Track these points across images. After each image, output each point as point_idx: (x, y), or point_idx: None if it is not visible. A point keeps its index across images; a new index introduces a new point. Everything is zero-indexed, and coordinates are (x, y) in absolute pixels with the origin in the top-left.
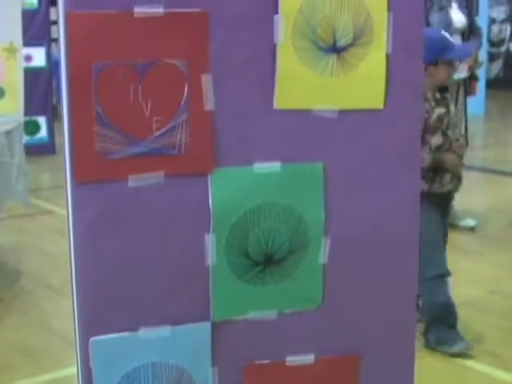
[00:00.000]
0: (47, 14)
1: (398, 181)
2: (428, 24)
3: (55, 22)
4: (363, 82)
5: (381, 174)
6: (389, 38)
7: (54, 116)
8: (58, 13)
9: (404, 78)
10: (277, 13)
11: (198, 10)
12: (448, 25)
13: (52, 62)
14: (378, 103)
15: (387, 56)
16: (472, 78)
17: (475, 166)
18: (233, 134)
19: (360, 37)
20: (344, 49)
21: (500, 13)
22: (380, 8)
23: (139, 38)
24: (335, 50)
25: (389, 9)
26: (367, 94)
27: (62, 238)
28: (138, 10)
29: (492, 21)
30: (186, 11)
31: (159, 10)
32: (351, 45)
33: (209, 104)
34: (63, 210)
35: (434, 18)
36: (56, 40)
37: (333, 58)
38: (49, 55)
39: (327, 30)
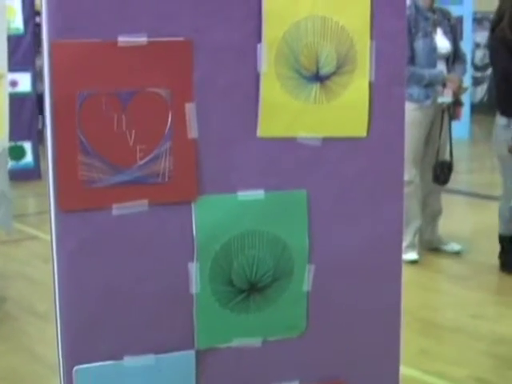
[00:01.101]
0: (33, 40)
1: (381, 208)
2: (413, 50)
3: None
4: (346, 110)
5: (365, 202)
6: (372, 66)
7: (39, 141)
8: (42, 41)
9: (387, 105)
10: (260, 41)
11: (181, 38)
12: (433, 51)
13: (37, 88)
14: (362, 131)
15: (370, 84)
16: (456, 103)
17: (460, 190)
18: (217, 162)
19: (343, 65)
20: (327, 77)
21: (484, 37)
22: (363, 36)
23: (123, 66)
24: (318, 78)
25: (372, 37)
26: (350, 121)
27: (47, 264)
28: (122, 39)
29: (476, 45)
30: (170, 40)
31: (143, 39)
32: (334, 73)
33: (192, 132)
34: (48, 236)
35: (419, 44)
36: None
37: (316, 86)
38: (34, 80)
39: (310, 58)
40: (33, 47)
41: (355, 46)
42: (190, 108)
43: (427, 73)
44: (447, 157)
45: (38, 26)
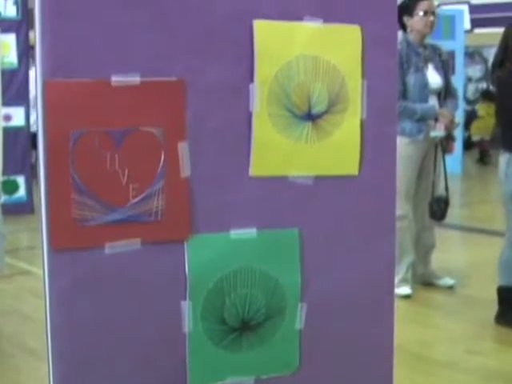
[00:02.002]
0: (27, 74)
1: (373, 246)
2: (405, 85)
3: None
4: (338, 149)
5: (357, 240)
6: (363, 105)
7: (32, 175)
8: (36, 81)
9: (378, 144)
10: (252, 81)
11: (174, 78)
12: (425, 86)
13: (32, 123)
14: (353, 170)
15: (362, 122)
16: (449, 137)
17: (453, 224)
18: (209, 201)
19: (335, 104)
20: (319, 116)
21: (476, 71)
22: (354, 75)
23: (116, 106)
24: (310, 117)
25: (363, 75)
26: (342, 160)
27: (40, 299)
28: (116, 79)
29: (468, 79)
30: (163, 80)
31: (136, 79)
32: (326, 112)
33: (185, 171)
34: (41, 271)
35: (411, 79)
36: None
37: (308, 125)
38: (28, 115)
39: (302, 97)
40: (27, 81)
41: (347, 85)
42: (182, 147)
43: (419, 107)
44: (441, 192)
45: (33, 59)
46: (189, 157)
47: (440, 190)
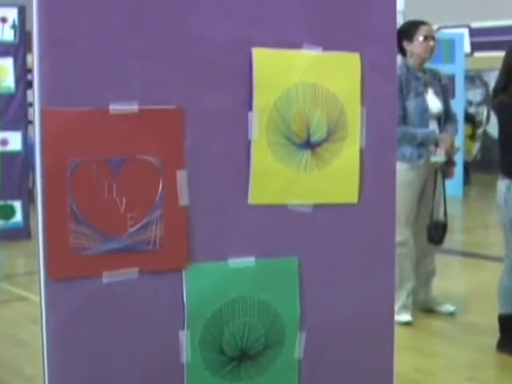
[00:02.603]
0: (24, 98)
1: (373, 274)
2: (405, 110)
3: (32, 104)
4: (337, 177)
5: (356, 268)
6: (362, 133)
7: (29, 200)
8: (34, 109)
9: (378, 171)
10: (251, 109)
11: (172, 106)
12: (425, 110)
13: (28, 146)
14: (353, 198)
15: (361, 150)
16: (449, 162)
17: (454, 249)
18: (207, 229)
19: (334, 132)
20: (318, 144)
21: (476, 95)
22: (354, 102)
23: (114, 134)
24: (309, 145)
25: (362, 103)
26: (341, 188)
27: (36, 325)
28: (113, 108)
29: (469, 103)
30: (161, 108)
31: (134, 107)
32: (325, 140)
33: (183, 199)
34: (37, 297)
35: (411, 104)
36: (32, 122)
37: (307, 153)
38: (25, 139)
39: (301, 126)
40: (24, 106)
41: (346, 113)
42: (180, 175)
43: (420, 132)
44: (441, 216)
45: (30, 83)
46: (187, 185)
47: (439, 215)
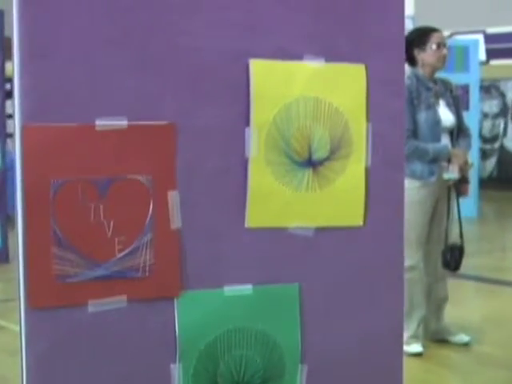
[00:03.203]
0: (2, 109)
1: (380, 301)
2: (415, 123)
3: (11, 116)
4: (341, 198)
5: (362, 295)
6: (368, 151)
7: (8, 221)
8: (14, 125)
9: (385, 192)
10: (248, 125)
11: (164, 122)
12: (437, 123)
13: (7, 161)
14: (358, 220)
15: (366, 169)
16: (463, 179)
17: (469, 274)
18: (201, 255)
19: (337, 149)
20: (320, 162)
21: (493, 107)
22: (358, 118)
23: (101, 152)
24: (311, 163)
25: (368, 119)
26: (346, 210)
27: (15, 357)
28: (100, 123)
29: (484, 115)
30: (152, 124)
31: (123, 123)
32: (328, 158)
33: (175, 222)
34: (17, 326)
35: (422, 116)
36: (11, 135)
37: (308, 172)
38: (3, 153)
39: (302, 143)
40: (2, 118)
41: (350, 129)
42: (172, 196)
43: (431, 147)
44: (456, 239)
45: (9, 94)
46: (179, 207)
47: (454, 237)
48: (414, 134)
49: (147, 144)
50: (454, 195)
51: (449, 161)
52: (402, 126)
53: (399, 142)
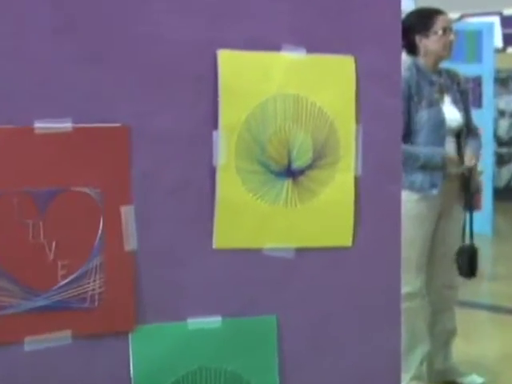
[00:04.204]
0: None
1: (373, 336)
2: (415, 124)
3: None
4: (326, 214)
5: (351, 327)
6: (358, 157)
7: None
8: None
9: (378, 206)
10: (216, 127)
11: (117, 124)
12: (440, 124)
13: None
14: (346, 240)
15: (356, 179)
16: (472, 189)
17: (482, 302)
18: (161, 281)
19: (321, 156)
20: (301, 172)
21: (510, 103)
22: (346, 120)
23: (41, 160)
24: (290, 173)
25: (357, 120)
26: (332, 228)
27: None
28: (40, 125)
29: (500, 113)
30: (102, 126)
31: (67, 126)
32: (310, 166)
33: (130, 243)
34: None
35: (423, 115)
36: None
37: (287, 183)
38: None
39: (280, 148)
40: None
41: (336, 132)
42: (126, 212)
43: (423, 152)
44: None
45: None
46: (135, 225)
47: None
48: (409, 137)
49: (96, 150)
50: (460, 206)
51: (445, 167)
52: (397, 128)
53: (395, 146)
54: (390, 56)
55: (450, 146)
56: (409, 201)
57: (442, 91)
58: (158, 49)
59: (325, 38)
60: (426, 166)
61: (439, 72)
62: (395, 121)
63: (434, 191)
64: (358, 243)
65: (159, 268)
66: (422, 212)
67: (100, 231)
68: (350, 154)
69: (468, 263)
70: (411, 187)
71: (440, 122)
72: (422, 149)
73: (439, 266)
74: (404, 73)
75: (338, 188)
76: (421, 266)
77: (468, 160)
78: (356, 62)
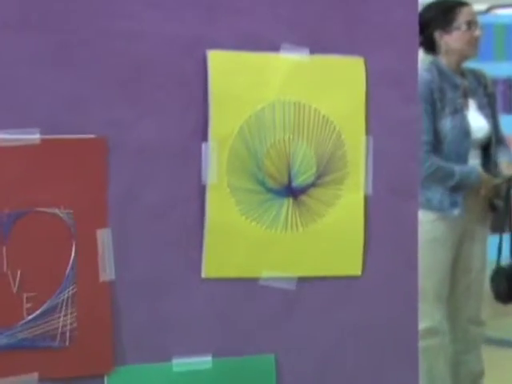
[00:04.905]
0: None
1: (385, 379)
2: (437, 134)
3: None
4: (332, 238)
5: (360, 370)
6: (368, 174)
7: None
8: None
9: (391, 230)
10: (206, 139)
11: (91, 136)
12: (465, 134)
13: None
14: (355, 268)
15: (366, 199)
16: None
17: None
18: (142, 316)
19: (326, 172)
20: (303, 190)
21: None
22: (355, 129)
23: (4, 176)
24: (291, 192)
25: (367, 130)
26: (338, 254)
27: None
28: (3, 137)
29: None
30: (74, 138)
31: (34, 137)
32: (314, 184)
33: (107, 272)
34: None
35: (446, 124)
36: None
37: (287, 203)
38: None
39: (279, 164)
40: None
41: (344, 145)
42: (103, 236)
43: (458, 169)
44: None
45: None
46: (113, 251)
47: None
48: (436, 148)
49: (68, 165)
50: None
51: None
52: (413, 140)
53: (410, 160)
54: (405, 57)
55: (473, 162)
56: (425, 221)
57: (466, 95)
58: (138, 48)
59: (330, 37)
60: (459, 186)
61: (463, 73)
62: (411, 131)
63: (456, 211)
64: (369, 272)
65: (140, 300)
66: (441, 234)
67: (72, 259)
68: (359, 169)
69: (508, 286)
70: (428, 206)
71: (464, 131)
72: (455, 166)
73: (463, 298)
74: (424, 75)
75: (345, 209)
76: (440, 297)
77: (505, 168)
78: (366, 63)
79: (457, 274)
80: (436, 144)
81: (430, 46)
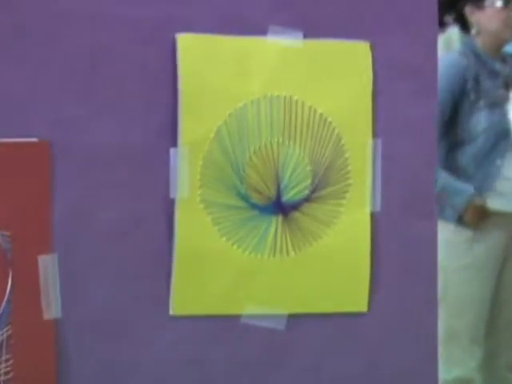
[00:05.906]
0: None
1: None
2: (467, 131)
3: None
4: (331, 265)
5: None
6: (376, 187)
7: None
8: None
9: (404, 255)
10: (175, 145)
11: (34, 139)
12: (505, 134)
13: None
14: (359, 302)
15: (373, 216)
16: None
17: None
18: (96, 362)
19: (324, 185)
20: (295, 206)
21: None
22: (358, 131)
23: None
24: (280, 208)
25: (374, 133)
26: (339, 286)
27: None
28: None
29: None
30: (11, 141)
31: None
32: (308, 199)
33: (52, 309)
34: None
35: (480, 120)
36: None
37: (275, 222)
38: None
39: (265, 174)
40: None
41: (346, 151)
42: (47, 264)
43: (447, 182)
44: None
45: None
46: (59, 282)
47: None
48: (458, 147)
49: (4, 176)
50: None
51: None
52: (431, 143)
53: (427, 169)
54: (421, 42)
55: (510, 165)
56: (457, 242)
57: (507, 85)
58: (92, 32)
59: (329, 17)
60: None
61: (504, 59)
62: (428, 134)
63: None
64: (377, 308)
65: (93, 344)
66: (478, 258)
67: (8, 292)
68: (363, 181)
69: None
70: (459, 220)
71: (504, 130)
72: (446, 176)
73: (504, 338)
74: (459, 59)
75: (347, 229)
76: (476, 339)
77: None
78: (373, 50)
79: (496, 306)
80: (460, 142)
81: (463, 24)
